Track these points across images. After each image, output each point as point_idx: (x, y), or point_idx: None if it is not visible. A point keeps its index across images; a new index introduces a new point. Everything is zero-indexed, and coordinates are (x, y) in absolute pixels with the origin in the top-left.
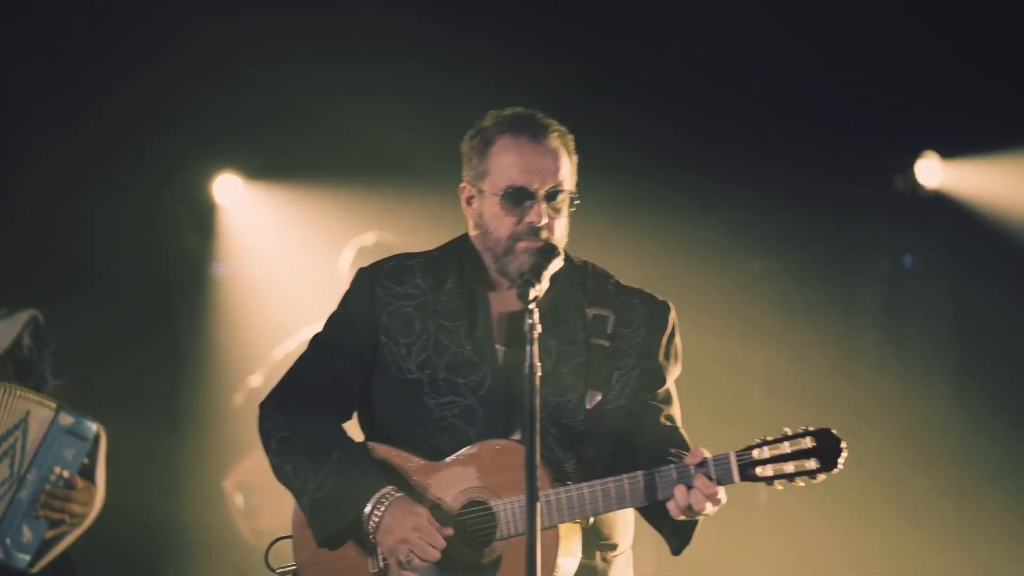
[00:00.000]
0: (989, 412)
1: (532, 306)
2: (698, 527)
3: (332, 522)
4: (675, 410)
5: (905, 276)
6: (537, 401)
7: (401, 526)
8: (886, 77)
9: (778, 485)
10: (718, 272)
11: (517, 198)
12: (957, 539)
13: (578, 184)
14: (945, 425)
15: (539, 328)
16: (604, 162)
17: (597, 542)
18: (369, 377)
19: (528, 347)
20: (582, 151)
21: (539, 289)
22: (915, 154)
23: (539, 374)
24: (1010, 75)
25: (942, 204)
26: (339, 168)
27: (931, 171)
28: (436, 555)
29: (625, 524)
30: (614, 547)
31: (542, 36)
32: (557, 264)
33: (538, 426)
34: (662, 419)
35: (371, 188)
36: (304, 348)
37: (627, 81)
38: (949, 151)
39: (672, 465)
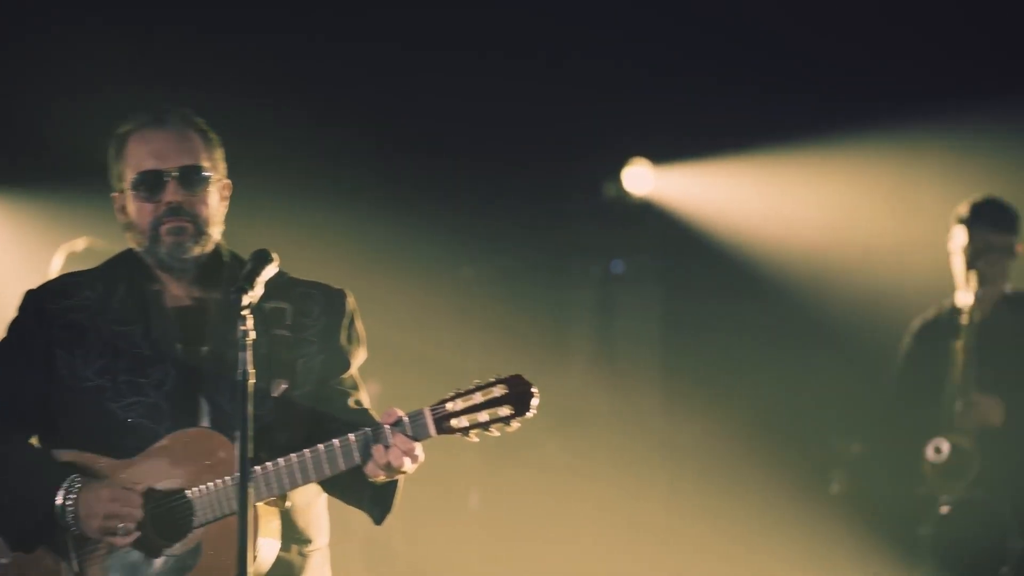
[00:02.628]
0: (697, 415)
1: (246, 312)
2: (398, 493)
3: (23, 522)
4: (363, 394)
5: (615, 282)
6: (250, 407)
7: (97, 502)
8: (596, 83)
9: (474, 436)
10: (429, 278)
11: (148, 182)
12: (667, 538)
13: (273, 185)
14: (655, 428)
15: (253, 335)
16: (313, 167)
17: (293, 536)
18: (47, 393)
19: (241, 353)
20: (290, 157)
21: (253, 296)
22: (625, 160)
23: (252, 380)
24: (716, 80)
25: (651, 210)
26: (50, 173)
27: (641, 177)
28: (140, 513)
29: (319, 520)
30: (309, 541)
31: (244, 38)
32: (271, 270)
33: (250, 432)
34: (351, 403)
35: (83, 193)
36: None
37: (337, 84)
38: (659, 157)
39: (367, 428)
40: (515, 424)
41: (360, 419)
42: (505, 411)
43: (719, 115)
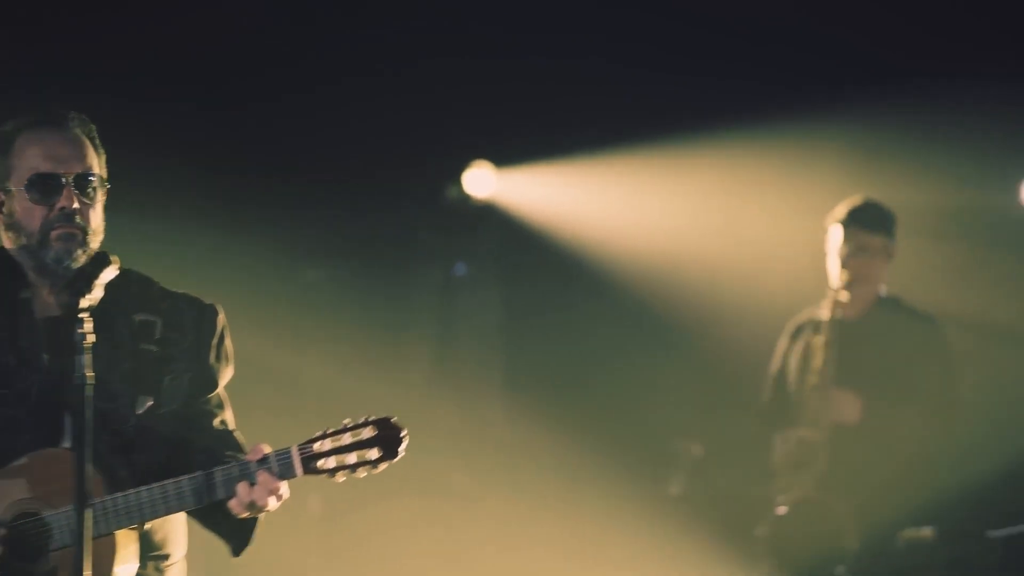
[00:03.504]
0: (540, 417)
1: (84, 315)
2: (259, 526)
3: None
4: (228, 414)
5: (457, 285)
6: (89, 413)
7: None
8: (437, 85)
9: (340, 477)
10: (270, 281)
11: (45, 185)
12: (509, 542)
13: (112, 180)
14: (497, 430)
15: (92, 337)
16: (156, 169)
17: (149, 552)
18: None
19: (79, 357)
20: (128, 153)
21: (91, 298)
22: (466, 163)
23: (91, 383)
24: (558, 82)
25: (493, 212)
26: None
27: (482, 180)
28: None
29: (177, 533)
30: (167, 557)
31: (86, 27)
32: (110, 273)
33: (90, 437)
34: (216, 423)
35: None
36: None
37: (178, 83)
38: (501, 159)
39: (233, 463)
40: (382, 467)
41: (225, 441)
42: (373, 454)
43: (561, 117)
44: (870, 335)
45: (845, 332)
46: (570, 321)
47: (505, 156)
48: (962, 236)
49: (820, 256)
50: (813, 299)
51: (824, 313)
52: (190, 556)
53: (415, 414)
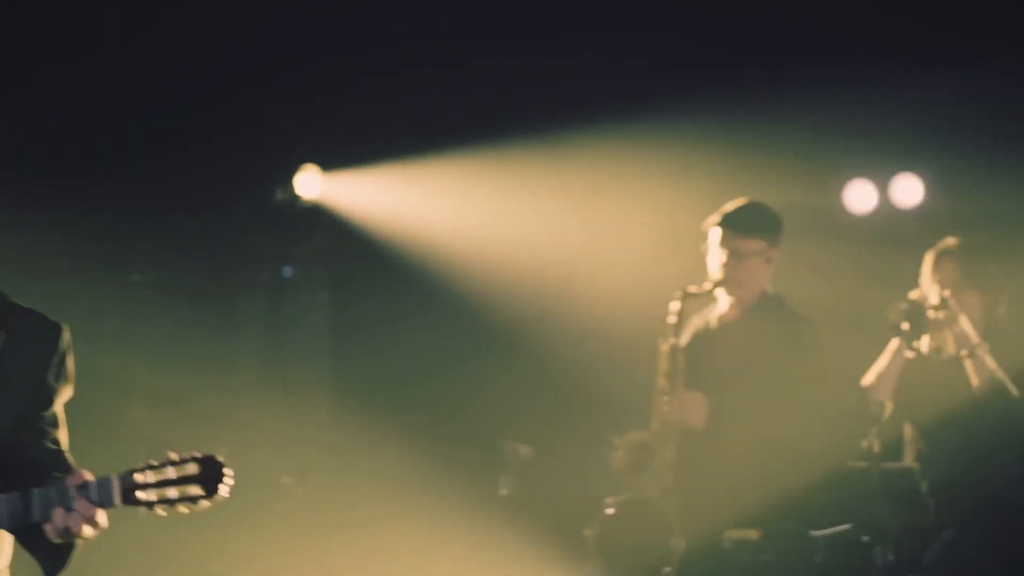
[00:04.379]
0: (367, 419)
1: None
2: (76, 552)
3: None
4: (62, 433)
5: (285, 287)
6: None
7: None
8: (267, 88)
9: (160, 510)
10: (96, 282)
11: None
12: (338, 543)
13: None
14: (325, 433)
15: None
16: None
17: None
18: None
19: None
20: None
21: None
22: (295, 166)
23: None
24: (388, 85)
25: (321, 215)
26: None
27: (310, 183)
28: None
29: (1, 542)
30: None
31: None
32: None
33: None
34: (47, 442)
35: None
36: None
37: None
38: (329, 162)
39: (52, 486)
40: (203, 504)
41: (55, 460)
42: (195, 490)
43: (390, 119)
44: (742, 337)
45: (718, 334)
46: (399, 323)
47: (333, 159)
48: (792, 233)
49: (653, 256)
50: (645, 300)
51: (672, 318)
52: (15, 566)
53: (243, 415)
